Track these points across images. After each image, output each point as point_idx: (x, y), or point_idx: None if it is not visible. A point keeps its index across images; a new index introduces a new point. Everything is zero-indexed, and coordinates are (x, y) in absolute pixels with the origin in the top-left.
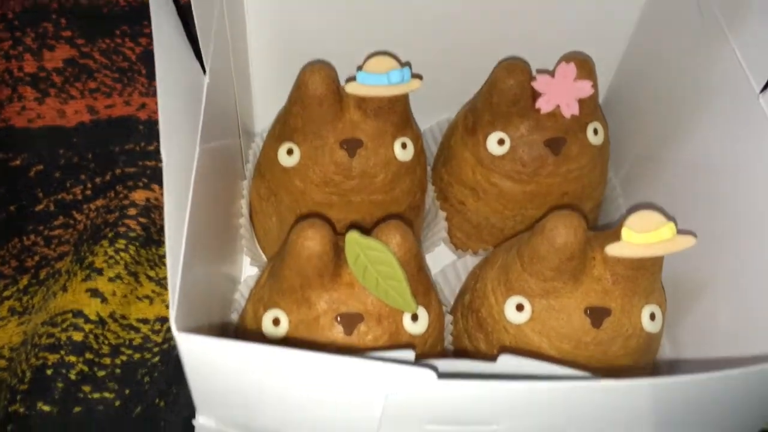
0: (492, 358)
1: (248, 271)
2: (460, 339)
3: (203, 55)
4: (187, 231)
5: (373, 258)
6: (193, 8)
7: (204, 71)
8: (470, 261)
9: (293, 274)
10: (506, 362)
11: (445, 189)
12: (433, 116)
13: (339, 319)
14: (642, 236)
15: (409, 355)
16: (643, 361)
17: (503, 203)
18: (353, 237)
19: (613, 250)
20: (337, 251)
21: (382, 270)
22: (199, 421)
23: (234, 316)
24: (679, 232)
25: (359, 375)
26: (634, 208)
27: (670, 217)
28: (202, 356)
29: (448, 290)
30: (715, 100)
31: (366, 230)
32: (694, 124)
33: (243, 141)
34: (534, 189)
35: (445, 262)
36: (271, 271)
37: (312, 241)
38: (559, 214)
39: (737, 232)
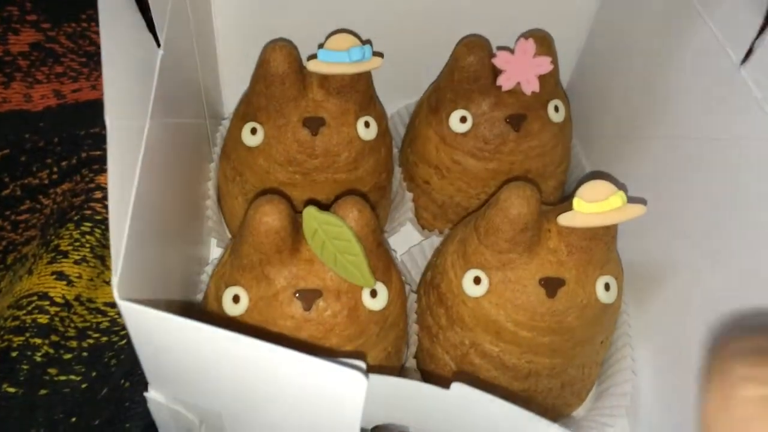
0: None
1: (216, 252)
2: (423, 316)
3: (156, 29)
4: (135, 202)
5: (330, 233)
6: None
7: (158, 44)
8: (436, 241)
9: (252, 250)
10: (458, 391)
11: (410, 169)
12: (402, 100)
13: (298, 294)
14: (593, 206)
15: (361, 365)
16: (601, 334)
17: (467, 181)
18: (310, 212)
19: (564, 219)
20: (296, 227)
21: (339, 245)
22: (150, 394)
23: (199, 297)
24: (631, 200)
25: (299, 370)
26: (585, 178)
27: (620, 186)
28: (146, 328)
29: (416, 271)
30: (691, 76)
31: (325, 207)
32: (670, 101)
33: (210, 123)
34: (496, 166)
35: (412, 243)
36: (232, 248)
37: (269, 216)
38: (513, 185)
39: (718, 208)
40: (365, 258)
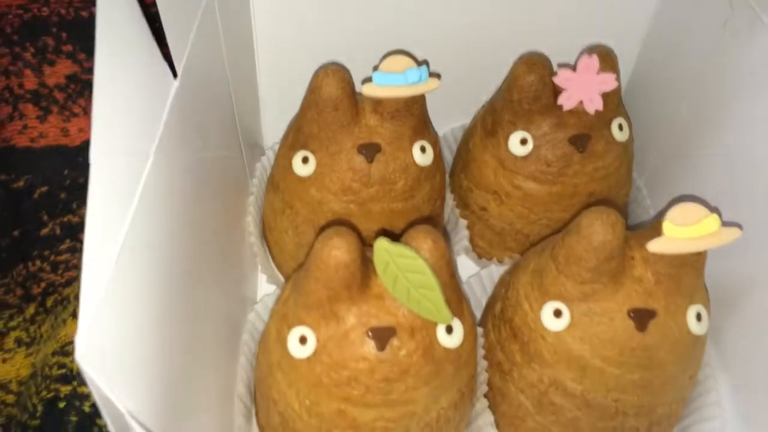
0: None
1: (265, 289)
2: (493, 352)
3: (174, 58)
4: (124, 246)
5: (403, 266)
6: (157, 3)
7: (174, 75)
8: (495, 270)
9: (319, 286)
10: None
11: (465, 195)
12: (446, 123)
13: (370, 333)
14: (685, 230)
15: None
16: (691, 368)
17: (528, 206)
18: (382, 244)
19: (654, 246)
20: (365, 261)
21: (413, 278)
22: None
23: (245, 337)
24: (724, 224)
25: None
26: (674, 201)
27: (712, 209)
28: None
29: (474, 302)
30: (751, 87)
31: (394, 237)
32: (728, 114)
33: (246, 154)
34: (560, 190)
35: (468, 274)
36: (294, 285)
37: (339, 250)
38: (595, 210)
39: None
40: (441, 292)
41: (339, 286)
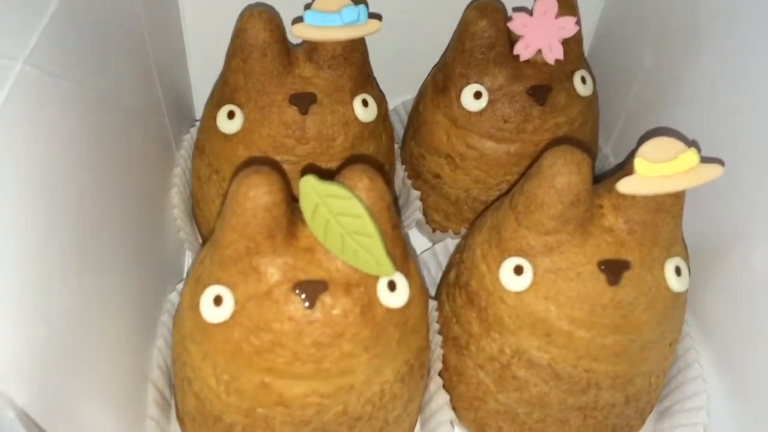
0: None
1: None
2: (448, 325)
3: None
4: None
5: (336, 208)
6: None
7: None
8: (451, 243)
9: (236, 236)
10: None
11: (416, 163)
12: (399, 96)
13: (297, 289)
14: (659, 167)
15: None
16: (671, 334)
17: (485, 169)
18: (309, 182)
19: (625, 185)
20: (291, 209)
21: (347, 223)
22: None
23: (164, 318)
24: (703, 161)
25: None
26: (647, 137)
27: (690, 143)
28: None
29: (429, 280)
30: (715, 30)
31: (327, 177)
32: (701, 52)
33: (171, 121)
34: (519, 149)
35: (421, 249)
36: (210, 241)
37: (257, 189)
38: (557, 149)
39: (763, 164)
40: (381, 239)
41: (260, 235)
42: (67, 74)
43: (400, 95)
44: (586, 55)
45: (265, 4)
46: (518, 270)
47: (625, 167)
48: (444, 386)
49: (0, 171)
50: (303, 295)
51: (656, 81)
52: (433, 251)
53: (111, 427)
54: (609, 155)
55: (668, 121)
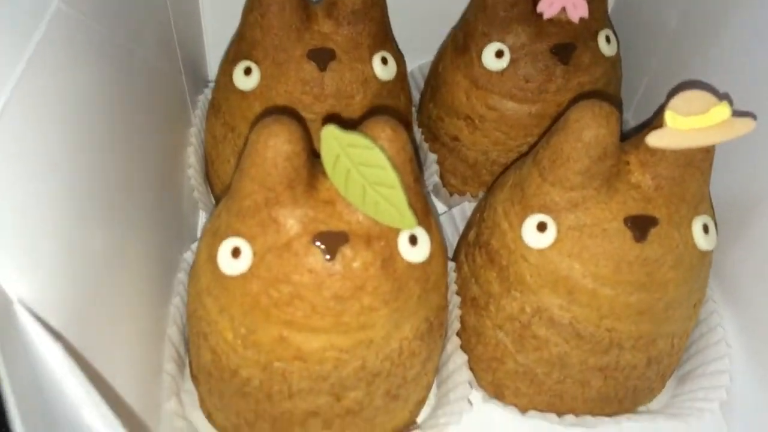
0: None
1: None
2: (467, 286)
3: None
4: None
5: (357, 158)
6: None
7: None
8: (468, 207)
9: (255, 186)
10: None
11: (434, 126)
12: (414, 60)
13: (317, 241)
14: (690, 120)
15: None
16: (696, 294)
17: (505, 131)
18: (331, 131)
19: (655, 139)
20: (311, 160)
21: (369, 173)
22: None
23: (180, 275)
24: (735, 114)
25: None
26: (677, 90)
27: (722, 96)
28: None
29: (446, 244)
30: None
31: (349, 127)
32: (728, 12)
33: (188, 80)
34: (541, 109)
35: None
36: (228, 194)
37: (278, 138)
38: (585, 103)
39: None
40: (404, 190)
41: (279, 186)
42: (99, 19)
43: (417, 59)
44: (612, 11)
45: None
46: (541, 227)
47: (653, 122)
48: (462, 348)
49: (39, 113)
50: (323, 247)
51: (682, 44)
52: (450, 215)
53: (131, 374)
54: (629, 120)
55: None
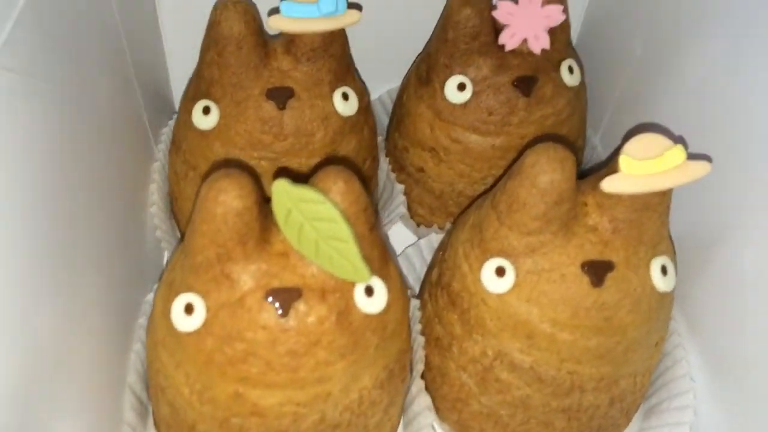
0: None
1: None
2: (431, 326)
3: None
4: None
5: (309, 213)
6: None
7: None
8: (435, 239)
9: (207, 242)
10: None
11: (400, 156)
12: (383, 85)
13: (270, 297)
14: (645, 164)
15: None
16: (656, 333)
17: (469, 163)
18: (282, 186)
19: (609, 184)
20: (264, 212)
21: (322, 228)
22: None
23: (142, 320)
24: (690, 157)
25: None
26: (632, 133)
27: (676, 139)
28: None
29: (413, 276)
30: (711, 6)
31: (300, 180)
32: (689, 42)
33: (149, 114)
34: (504, 142)
35: (406, 244)
36: (182, 247)
37: (227, 194)
38: (540, 146)
39: (759, 162)
40: (357, 243)
41: (230, 242)
42: (36, 73)
43: (386, 84)
44: (574, 43)
45: None
46: (500, 271)
47: (610, 164)
48: (427, 387)
49: None
50: (276, 303)
51: (646, 71)
52: (417, 246)
53: (90, 425)
54: (597, 146)
55: (657, 112)
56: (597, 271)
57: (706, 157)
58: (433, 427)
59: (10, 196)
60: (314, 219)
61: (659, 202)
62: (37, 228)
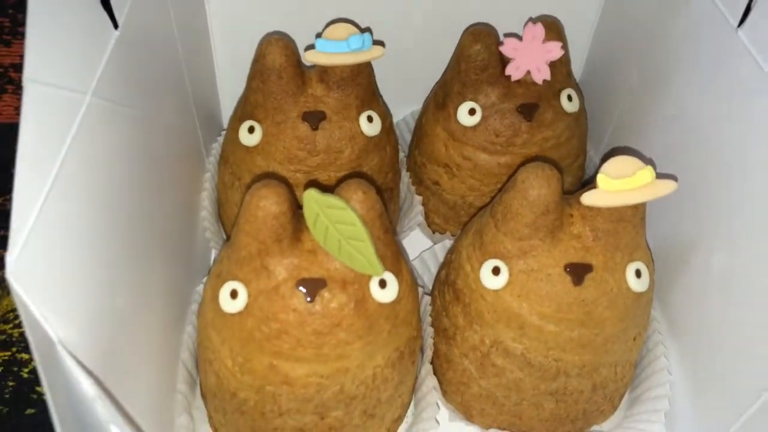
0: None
1: None
2: (439, 318)
3: (114, 8)
4: (54, 188)
5: (333, 217)
6: None
7: (114, 25)
8: (449, 244)
9: (249, 239)
10: None
11: (418, 171)
12: (407, 107)
13: (300, 285)
14: (619, 182)
15: None
16: (634, 329)
17: (479, 178)
18: (312, 195)
19: (588, 198)
20: (297, 216)
21: (343, 230)
22: None
23: (194, 306)
24: (659, 177)
25: None
26: (610, 155)
27: (647, 161)
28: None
29: (428, 276)
30: (690, 48)
31: (327, 190)
32: (673, 77)
33: (202, 131)
34: (509, 160)
35: (423, 249)
36: (229, 242)
37: (267, 200)
38: (531, 165)
39: (726, 180)
40: (372, 243)
41: (269, 239)
42: (124, 101)
43: (409, 106)
44: (580, 75)
45: (282, 33)
46: (496, 271)
47: (592, 182)
48: (435, 372)
49: (79, 187)
50: (305, 291)
51: (639, 101)
52: (433, 251)
53: (149, 394)
54: (598, 164)
55: (646, 136)
56: (577, 272)
57: (672, 177)
58: (437, 405)
59: (100, 198)
60: (338, 222)
61: (633, 215)
62: (118, 225)
